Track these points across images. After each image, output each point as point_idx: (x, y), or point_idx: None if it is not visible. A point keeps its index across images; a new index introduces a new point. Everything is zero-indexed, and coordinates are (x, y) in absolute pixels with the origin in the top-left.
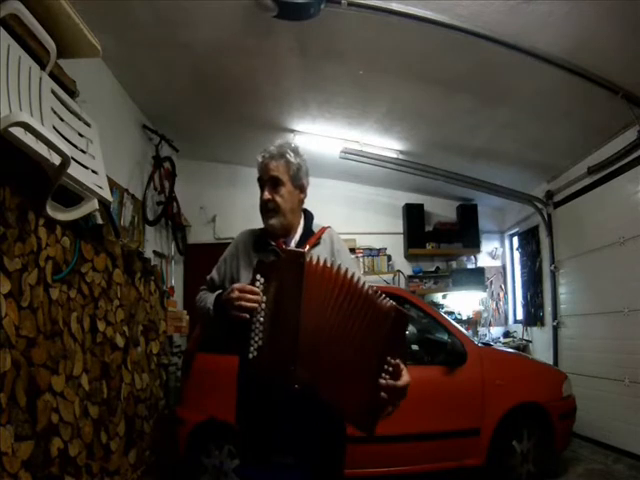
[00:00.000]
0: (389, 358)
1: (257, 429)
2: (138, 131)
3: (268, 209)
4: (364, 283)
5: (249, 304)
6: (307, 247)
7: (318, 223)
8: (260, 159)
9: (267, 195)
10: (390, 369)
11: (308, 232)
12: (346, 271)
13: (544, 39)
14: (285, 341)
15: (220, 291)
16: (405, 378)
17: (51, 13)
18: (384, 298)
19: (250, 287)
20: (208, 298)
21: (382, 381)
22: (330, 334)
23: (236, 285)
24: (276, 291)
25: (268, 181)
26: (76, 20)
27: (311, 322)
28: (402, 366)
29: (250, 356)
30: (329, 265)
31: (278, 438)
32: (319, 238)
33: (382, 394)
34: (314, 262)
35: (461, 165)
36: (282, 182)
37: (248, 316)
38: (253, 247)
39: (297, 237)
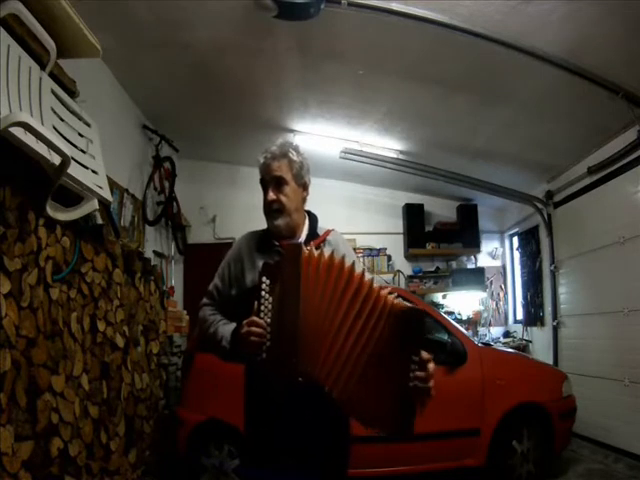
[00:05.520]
0: (414, 357)
1: (262, 431)
2: (138, 131)
3: (273, 210)
4: (365, 273)
5: (256, 338)
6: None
7: (322, 226)
8: (262, 159)
9: (272, 195)
10: (416, 367)
11: (313, 233)
12: (343, 260)
13: (544, 39)
14: (287, 335)
15: (235, 325)
16: (431, 365)
17: (51, 13)
18: (396, 297)
19: (256, 320)
20: (219, 329)
21: (413, 382)
22: (335, 325)
23: (245, 321)
24: (280, 289)
25: (271, 181)
26: (76, 20)
27: (311, 313)
28: (425, 356)
29: (258, 359)
30: (326, 255)
31: (282, 439)
32: (324, 240)
33: (414, 390)
34: (310, 253)
35: (461, 165)
36: (286, 181)
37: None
38: (257, 249)
39: (303, 238)
